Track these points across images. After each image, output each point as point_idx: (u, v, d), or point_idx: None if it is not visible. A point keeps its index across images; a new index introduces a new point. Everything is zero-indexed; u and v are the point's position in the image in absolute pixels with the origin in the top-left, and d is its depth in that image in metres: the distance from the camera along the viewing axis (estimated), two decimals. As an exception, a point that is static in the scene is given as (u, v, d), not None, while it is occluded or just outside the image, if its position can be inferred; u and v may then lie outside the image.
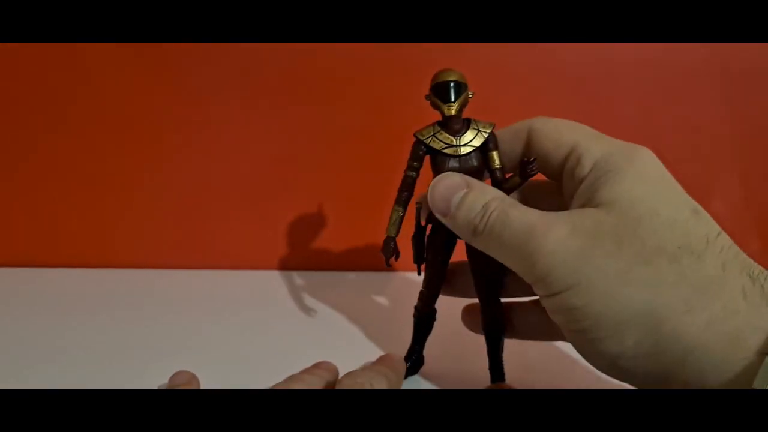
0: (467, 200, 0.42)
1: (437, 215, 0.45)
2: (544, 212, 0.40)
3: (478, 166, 0.46)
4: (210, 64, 0.77)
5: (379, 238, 0.49)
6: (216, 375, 0.51)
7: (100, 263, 0.82)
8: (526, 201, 0.49)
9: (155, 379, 0.52)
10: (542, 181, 0.48)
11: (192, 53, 0.76)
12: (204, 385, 0.50)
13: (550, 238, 0.37)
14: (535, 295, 0.42)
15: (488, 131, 0.46)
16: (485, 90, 0.78)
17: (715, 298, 0.34)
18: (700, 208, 0.39)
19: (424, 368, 0.55)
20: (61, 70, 0.77)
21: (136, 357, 0.57)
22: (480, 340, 0.52)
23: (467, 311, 0.54)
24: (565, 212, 0.39)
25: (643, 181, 0.38)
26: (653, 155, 0.41)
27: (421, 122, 0.47)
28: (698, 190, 0.81)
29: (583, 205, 0.39)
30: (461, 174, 0.45)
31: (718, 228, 0.38)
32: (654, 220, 0.36)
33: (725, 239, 0.37)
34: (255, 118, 0.79)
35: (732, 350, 0.33)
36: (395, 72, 0.75)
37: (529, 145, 0.46)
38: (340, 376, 0.46)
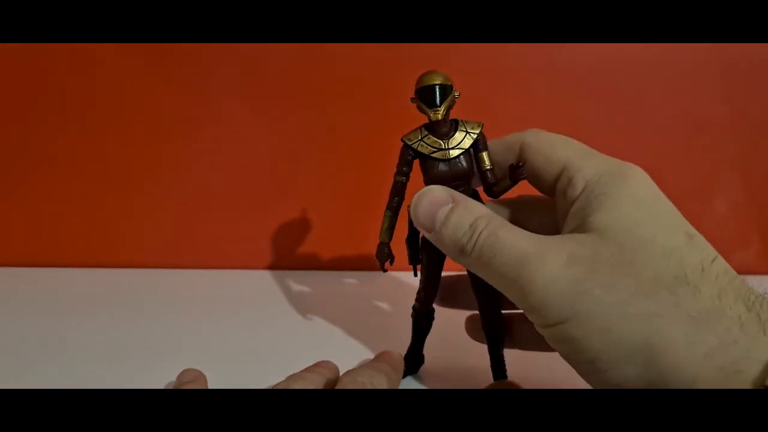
0: (453, 217, 0.41)
1: (422, 232, 0.43)
2: (537, 237, 0.38)
3: (468, 168, 0.46)
4: (211, 65, 0.77)
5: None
6: (216, 374, 0.51)
7: (100, 263, 0.82)
8: (516, 218, 0.48)
9: (155, 379, 0.52)
10: (532, 196, 0.47)
11: (193, 54, 0.76)
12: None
13: (546, 268, 0.36)
14: None
15: (477, 132, 0.46)
16: (485, 90, 0.78)
17: (713, 329, 0.34)
18: (694, 231, 0.38)
19: (424, 367, 0.55)
20: (62, 70, 0.77)
21: (136, 357, 0.57)
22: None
23: (470, 321, 0.54)
24: (559, 238, 0.38)
25: (637, 205, 0.37)
26: (645, 175, 0.40)
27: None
28: (699, 189, 0.82)
29: (575, 228, 0.39)
30: (445, 187, 0.44)
31: (713, 253, 0.37)
32: (650, 249, 0.36)
33: (720, 265, 0.36)
34: (257, 120, 0.79)
35: (731, 383, 0.33)
36: (395, 72, 0.75)
37: (520, 159, 0.45)
38: (341, 374, 0.46)
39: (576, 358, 0.38)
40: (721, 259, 0.37)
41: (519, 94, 0.77)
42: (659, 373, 0.34)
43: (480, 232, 0.39)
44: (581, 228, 0.38)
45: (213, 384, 0.50)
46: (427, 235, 0.43)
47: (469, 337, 0.54)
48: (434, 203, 0.42)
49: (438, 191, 0.43)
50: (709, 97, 0.77)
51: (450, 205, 0.42)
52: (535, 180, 0.44)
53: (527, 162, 0.44)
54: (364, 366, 0.47)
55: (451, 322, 0.54)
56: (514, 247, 0.38)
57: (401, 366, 0.50)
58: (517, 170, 0.43)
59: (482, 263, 0.39)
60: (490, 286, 0.43)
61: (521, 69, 0.77)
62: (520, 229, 0.40)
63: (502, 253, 0.38)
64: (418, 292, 0.52)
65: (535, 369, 0.54)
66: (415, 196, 0.43)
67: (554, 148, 0.43)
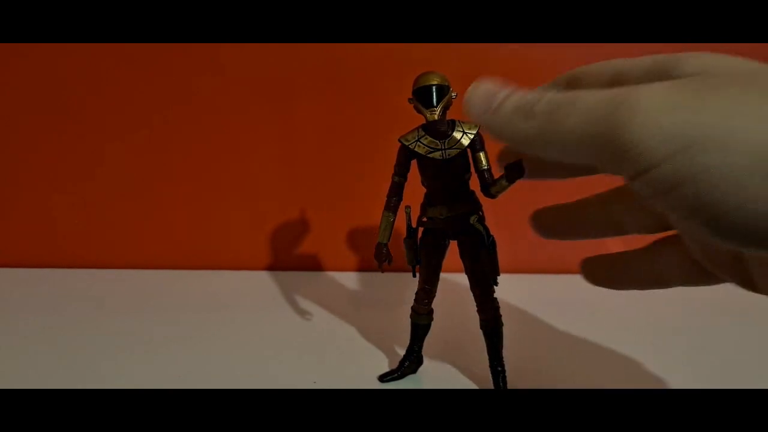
0: (516, 93, 0.32)
1: (473, 116, 0.34)
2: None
3: (465, 168, 0.47)
4: (211, 66, 0.77)
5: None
6: (216, 374, 0.51)
7: (100, 264, 0.82)
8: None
9: (155, 379, 0.52)
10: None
11: (192, 55, 0.76)
12: (203, 383, 0.50)
13: (642, 94, 0.27)
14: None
15: (474, 132, 0.46)
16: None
17: None
18: None
19: (423, 367, 0.55)
20: (63, 71, 0.77)
21: (136, 356, 0.57)
22: (479, 339, 0.52)
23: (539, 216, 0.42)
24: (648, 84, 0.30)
25: (715, 57, 0.30)
26: None
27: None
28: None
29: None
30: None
31: None
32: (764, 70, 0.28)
33: None
34: (258, 122, 0.79)
35: None
36: (394, 73, 0.76)
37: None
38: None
39: (694, 204, 0.26)
40: None
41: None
42: None
43: (549, 93, 0.31)
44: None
45: (213, 383, 0.51)
46: (478, 119, 0.34)
47: (467, 338, 0.54)
48: (493, 88, 0.33)
49: (496, 81, 0.34)
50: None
51: (512, 89, 0.33)
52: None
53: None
54: None
55: (450, 323, 0.54)
56: (597, 92, 0.30)
57: None
58: (513, 170, 0.42)
59: (555, 119, 0.30)
60: (486, 277, 0.41)
61: (519, 69, 0.77)
62: None
63: (583, 99, 0.30)
64: (417, 292, 0.53)
65: (535, 369, 0.54)
66: (470, 87, 0.35)
67: (602, 65, 0.36)
